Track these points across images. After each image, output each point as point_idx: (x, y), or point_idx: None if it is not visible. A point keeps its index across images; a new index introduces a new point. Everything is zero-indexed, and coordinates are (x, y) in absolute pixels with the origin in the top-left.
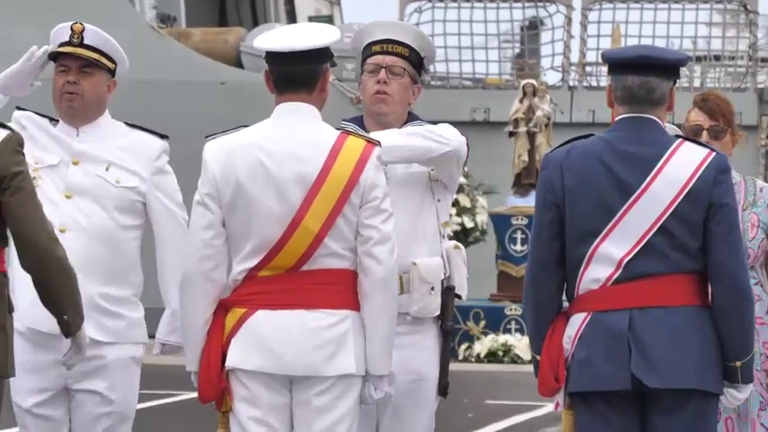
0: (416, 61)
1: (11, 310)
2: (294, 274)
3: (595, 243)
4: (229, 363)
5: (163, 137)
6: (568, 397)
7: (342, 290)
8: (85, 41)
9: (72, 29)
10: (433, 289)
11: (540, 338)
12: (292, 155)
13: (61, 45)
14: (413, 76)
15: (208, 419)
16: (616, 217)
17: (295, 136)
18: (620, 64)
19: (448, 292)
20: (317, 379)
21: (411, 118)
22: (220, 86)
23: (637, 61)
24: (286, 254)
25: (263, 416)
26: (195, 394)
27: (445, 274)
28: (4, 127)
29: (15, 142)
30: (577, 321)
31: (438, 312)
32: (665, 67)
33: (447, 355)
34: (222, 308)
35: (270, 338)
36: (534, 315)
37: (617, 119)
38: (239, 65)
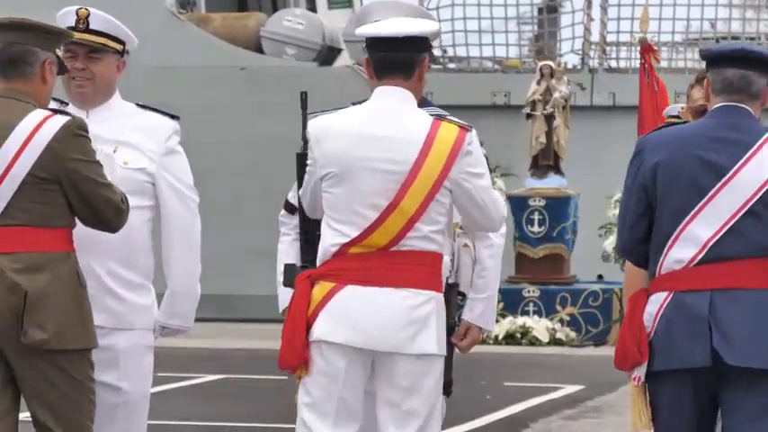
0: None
1: (83, 285)
2: (384, 253)
3: (683, 223)
4: (316, 334)
5: (174, 117)
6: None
7: (428, 271)
8: (91, 26)
9: (77, 14)
10: None
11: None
12: (391, 140)
13: (68, 29)
14: None
15: (224, 402)
16: (705, 198)
17: (392, 120)
18: (719, 58)
19: (451, 289)
20: (400, 356)
21: (423, 103)
22: (240, 72)
23: (737, 54)
24: (380, 233)
25: (339, 390)
26: (212, 377)
27: (451, 271)
28: (64, 113)
29: (74, 127)
30: (659, 300)
31: None
32: (762, 62)
33: (451, 352)
34: (308, 280)
35: (358, 313)
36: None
37: (713, 107)
38: (259, 50)
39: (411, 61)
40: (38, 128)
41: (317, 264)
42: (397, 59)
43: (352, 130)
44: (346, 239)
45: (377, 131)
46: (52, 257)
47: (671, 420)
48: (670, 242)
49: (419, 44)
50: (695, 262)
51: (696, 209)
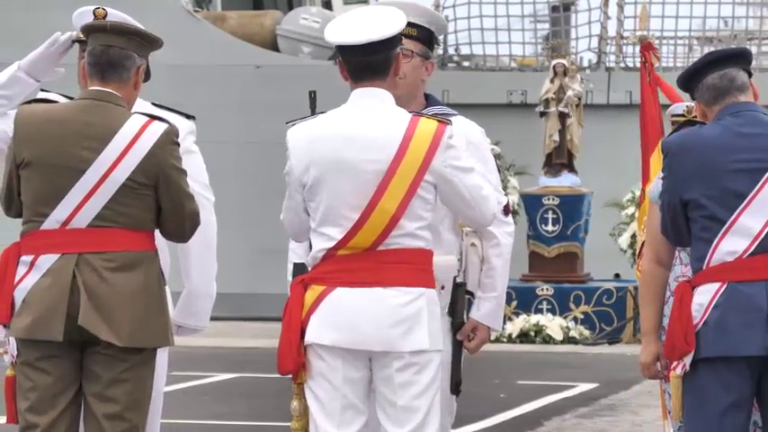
0: (426, 37)
1: (165, 283)
2: (371, 253)
3: (732, 217)
4: (309, 338)
5: (189, 117)
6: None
7: (416, 269)
8: None
9: (94, 14)
10: (443, 288)
11: None
12: (369, 140)
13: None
14: (423, 54)
15: (238, 401)
16: (752, 192)
17: (370, 121)
18: (693, 74)
19: (458, 288)
20: (395, 354)
21: (430, 102)
22: (256, 70)
23: (708, 59)
24: (364, 234)
25: (339, 389)
26: (224, 376)
27: (459, 270)
28: (161, 119)
29: (172, 134)
30: (710, 290)
31: (447, 309)
32: (732, 56)
33: (459, 351)
34: (301, 285)
35: (349, 315)
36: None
37: (718, 112)
38: (275, 48)
39: (385, 62)
40: (140, 133)
41: (308, 269)
42: (372, 64)
43: (332, 134)
44: (332, 243)
45: (357, 133)
46: (143, 257)
47: (713, 407)
48: (720, 234)
49: (391, 43)
50: (749, 253)
51: (744, 203)
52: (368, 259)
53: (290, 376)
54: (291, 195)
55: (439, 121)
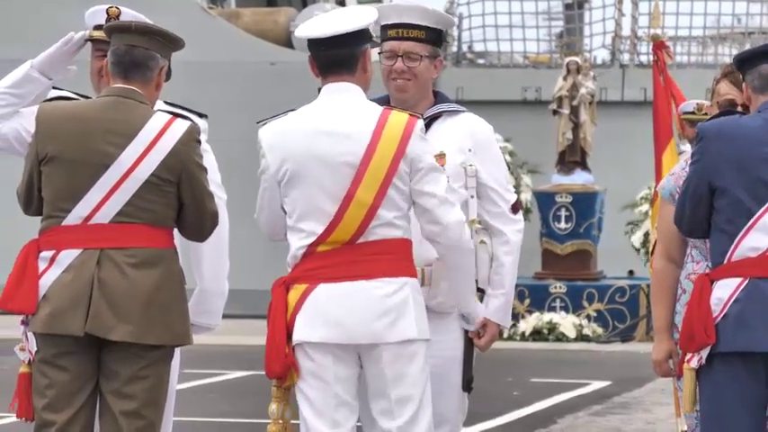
0: (434, 38)
1: (185, 281)
2: (351, 246)
3: (758, 213)
4: (297, 337)
5: (201, 116)
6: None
7: (398, 258)
8: None
9: (107, 13)
10: None
11: None
12: (341, 134)
13: (97, 28)
14: (431, 54)
15: (249, 399)
16: None
17: (342, 115)
18: (749, 57)
19: None
20: (383, 346)
21: (438, 99)
22: (270, 67)
23: (765, 48)
24: (343, 227)
25: (331, 386)
26: (236, 374)
27: None
28: (185, 117)
29: (196, 132)
30: (731, 285)
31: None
32: None
33: (470, 349)
34: (283, 285)
35: (334, 310)
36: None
37: (762, 104)
38: (289, 45)
39: (352, 57)
40: (163, 131)
41: (289, 269)
42: (339, 57)
43: (306, 129)
44: (312, 239)
45: (329, 127)
46: (164, 254)
47: (730, 402)
48: (744, 230)
49: (358, 38)
50: None
51: None
52: (349, 253)
53: (275, 383)
54: (267, 192)
55: (410, 114)
